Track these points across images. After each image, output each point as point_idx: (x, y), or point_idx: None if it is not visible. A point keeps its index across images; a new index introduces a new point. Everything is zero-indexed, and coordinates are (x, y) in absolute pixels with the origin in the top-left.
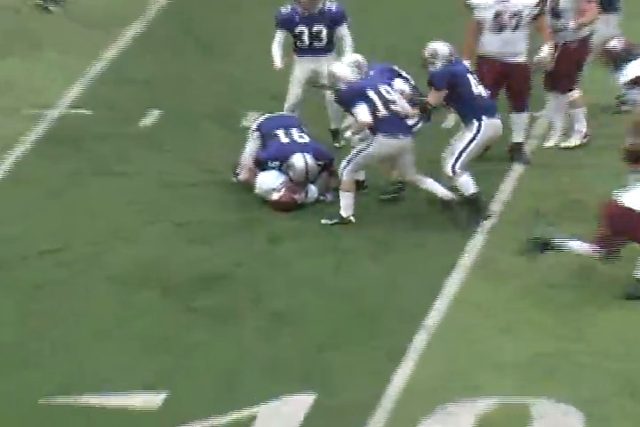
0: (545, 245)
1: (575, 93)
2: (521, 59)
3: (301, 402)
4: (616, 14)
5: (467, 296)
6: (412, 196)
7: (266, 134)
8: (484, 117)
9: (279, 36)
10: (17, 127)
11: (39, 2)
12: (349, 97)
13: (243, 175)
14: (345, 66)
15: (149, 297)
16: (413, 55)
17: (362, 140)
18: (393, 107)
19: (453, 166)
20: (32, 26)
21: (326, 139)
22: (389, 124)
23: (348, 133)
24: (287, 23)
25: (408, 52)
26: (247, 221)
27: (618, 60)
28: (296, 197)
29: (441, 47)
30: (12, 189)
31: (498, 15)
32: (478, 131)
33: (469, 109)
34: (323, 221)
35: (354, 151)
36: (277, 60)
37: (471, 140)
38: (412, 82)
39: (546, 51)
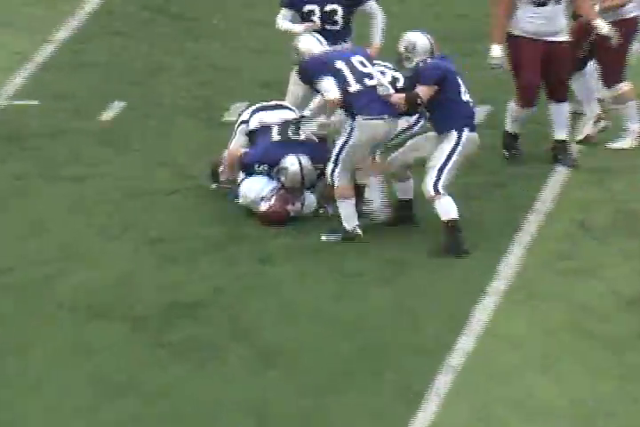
0: None
1: (624, 86)
2: (563, 37)
3: None
4: None
5: (498, 328)
6: (428, 207)
7: (255, 129)
8: (465, 130)
9: (284, 15)
10: None
11: None
12: (313, 69)
13: (224, 176)
14: (310, 37)
15: (111, 330)
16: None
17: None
18: (369, 81)
19: (435, 186)
20: None
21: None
22: (367, 100)
23: (306, 112)
24: None
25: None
26: (231, 238)
27: None
28: (289, 207)
29: (421, 39)
30: None
31: None
32: (457, 144)
33: (450, 117)
34: (323, 238)
35: (336, 147)
36: (296, 27)
37: (450, 154)
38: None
39: (604, 25)
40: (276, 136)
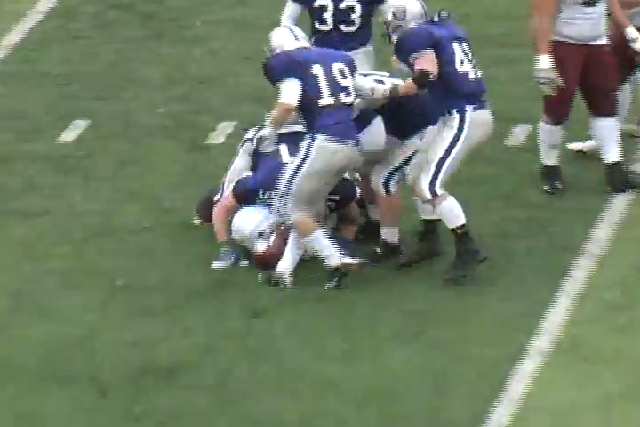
0: None
1: None
2: (604, 41)
3: None
4: None
5: (540, 397)
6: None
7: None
8: (467, 108)
9: (290, 12)
10: None
11: None
12: (280, 67)
13: (217, 238)
14: (285, 30)
15: (72, 397)
16: None
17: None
18: (344, 97)
19: (432, 186)
20: None
21: None
22: (335, 119)
23: (265, 132)
24: None
25: None
26: (217, 285)
27: None
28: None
29: (410, 2)
30: None
31: None
32: (461, 129)
33: (445, 95)
34: (327, 286)
35: (285, 175)
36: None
37: (451, 145)
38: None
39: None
40: (286, 157)
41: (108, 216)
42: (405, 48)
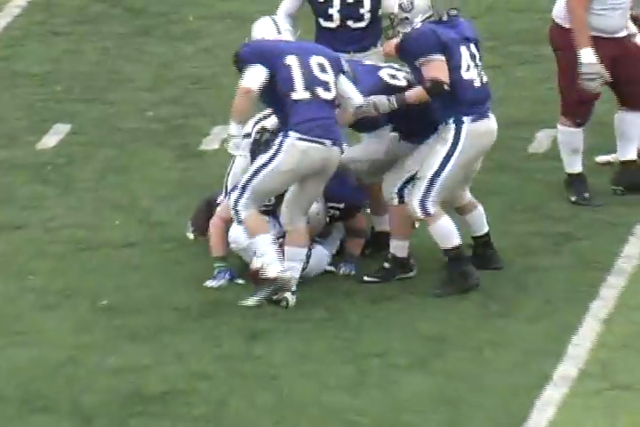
0: None
1: None
2: (626, 32)
3: None
4: None
5: None
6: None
7: (259, 145)
8: (465, 119)
9: (289, 5)
10: None
11: None
12: (250, 54)
13: (214, 252)
14: (268, 21)
15: (51, 426)
16: None
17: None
18: (322, 91)
19: (423, 203)
20: None
21: None
22: (310, 115)
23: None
24: None
25: None
26: (212, 305)
27: None
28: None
29: None
30: None
31: None
32: (455, 142)
33: (445, 102)
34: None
35: (250, 168)
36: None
37: (445, 161)
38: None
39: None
40: None
41: (91, 230)
42: (412, 50)
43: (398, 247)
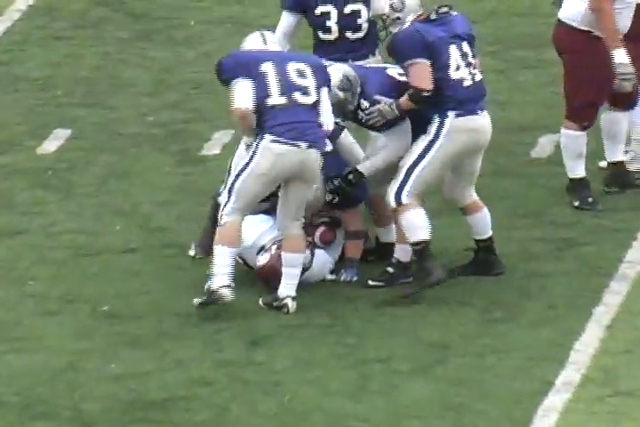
0: None
1: None
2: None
3: None
4: None
5: None
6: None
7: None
8: (449, 113)
9: (286, 23)
10: None
11: None
12: (228, 69)
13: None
14: (256, 36)
15: None
16: None
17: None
18: (299, 96)
19: (398, 193)
20: None
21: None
22: (285, 119)
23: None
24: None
25: None
26: (213, 311)
27: None
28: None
29: None
30: None
31: None
32: (436, 136)
33: (433, 103)
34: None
35: (233, 173)
36: None
37: (423, 153)
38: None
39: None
40: None
41: (92, 236)
42: (399, 52)
43: (402, 252)
